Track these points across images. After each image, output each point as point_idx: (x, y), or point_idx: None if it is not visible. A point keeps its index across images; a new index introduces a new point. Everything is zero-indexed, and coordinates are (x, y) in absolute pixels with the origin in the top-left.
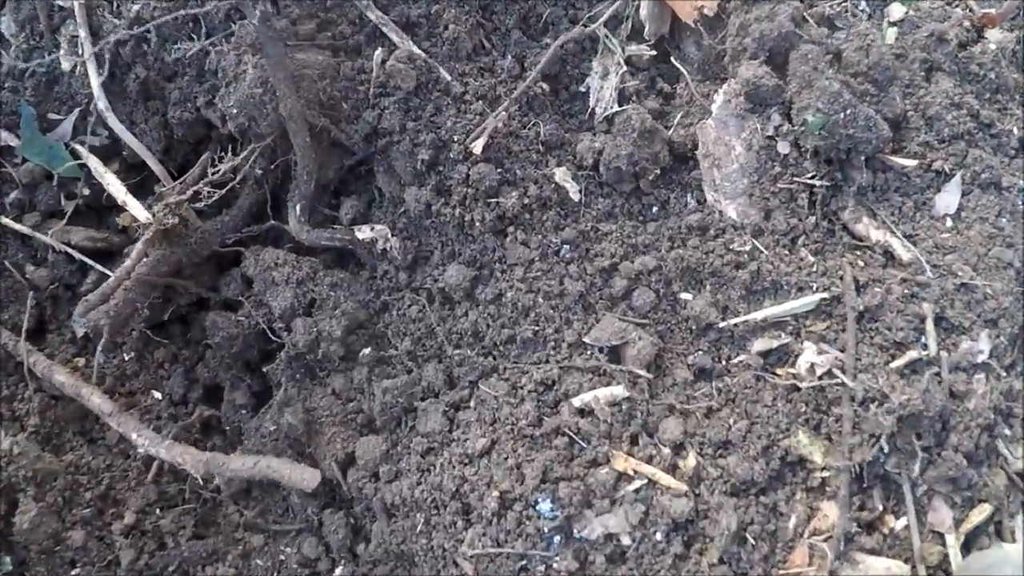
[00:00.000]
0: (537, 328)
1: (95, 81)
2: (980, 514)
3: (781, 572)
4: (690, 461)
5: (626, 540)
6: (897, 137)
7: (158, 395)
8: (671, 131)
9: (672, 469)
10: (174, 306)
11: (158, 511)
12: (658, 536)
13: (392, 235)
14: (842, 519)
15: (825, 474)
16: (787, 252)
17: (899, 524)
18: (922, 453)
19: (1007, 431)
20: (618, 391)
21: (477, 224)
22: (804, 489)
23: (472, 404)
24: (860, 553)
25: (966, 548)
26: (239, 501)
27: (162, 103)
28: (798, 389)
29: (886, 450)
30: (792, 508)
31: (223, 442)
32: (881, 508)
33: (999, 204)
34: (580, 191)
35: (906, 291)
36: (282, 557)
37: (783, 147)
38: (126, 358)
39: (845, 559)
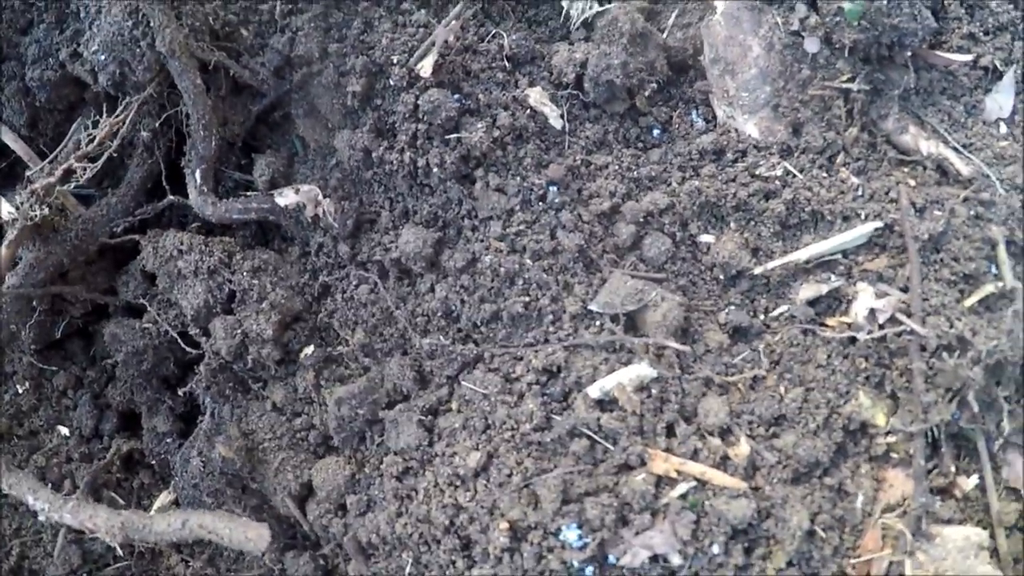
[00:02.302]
0: (528, 299)
1: None
2: None
3: (853, 562)
4: (742, 448)
5: (676, 560)
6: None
7: (65, 431)
8: (665, 34)
9: (723, 462)
10: (67, 319)
11: None
12: (715, 549)
13: (324, 196)
14: (918, 491)
15: (890, 439)
16: (825, 174)
17: (970, 484)
18: (1005, 404)
19: None
20: (643, 370)
21: (435, 170)
22: (868, 459)
23: (454, 406)
24: (935, 525)
25: None
26: (182, 549)
27: (18, 63)
28: (855, 341)
29: (971, 406)
30: (858, 485)
31: (151, 478)
32: (953, 469)
33: None
34: (562, 115)
35: (971, 212)
36: None
37: (812, 44)
38: (20, 391)
39: (920, 535)
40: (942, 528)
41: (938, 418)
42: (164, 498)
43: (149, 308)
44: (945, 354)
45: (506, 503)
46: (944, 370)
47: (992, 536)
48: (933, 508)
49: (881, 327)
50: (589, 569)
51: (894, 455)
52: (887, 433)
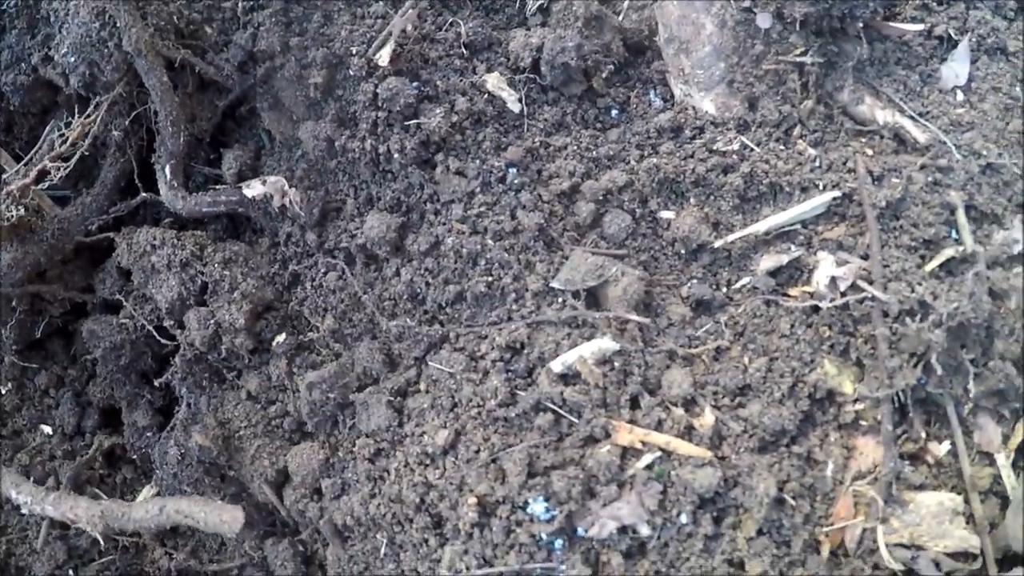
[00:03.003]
0: (491, 279)
1: None
2: None
3: (826, 529)
4: (707, 418)
5: (645, 530)
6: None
7: (48, 429)
8: (621, 17)
9: (687, 432)
10: (46, 318)
11: (71, 572)
12: (683, 518)
13: (290, 187)
14: (888, 457)
15: (858, 406)
16: (782, 147)
17: (942, 450)
18: (971, 367)
19: None
20: (606, 344)
21: (396, 156)
22: (837, 427)
23: (422, 387)
24: (907, 491)
25: (1015, 467)
26: (165, 542)
27: None
28: (818, 310)
29: (935, 370)
30: (828, 453)
31: (134, 473)
32: (924, 435)
33: (1010, 72)
34: (520, 99)
35: (928, 179)
36: None
37: (764, 20)
38: (2, 391)
39: (893, 501)
40: (915, 494)
41: (903, 383)
42: (147, 492)
43: (125, 304)
44: (908, 319)
45: (473, 479)
46: (907, 335)
47: (966, 501)
48: (904, 474)
49: (843, 295)
50: (558, 542)
51: (863, 422)
52: (855, 400)
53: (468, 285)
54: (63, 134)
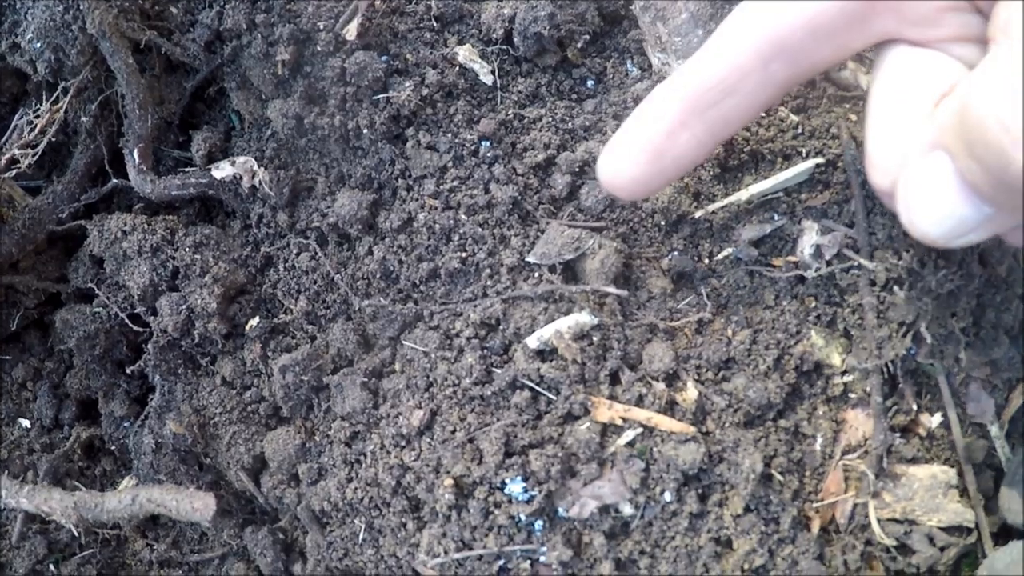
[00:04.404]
0: (465, 254)
1: None
2: (1022, 395)
3: (816, 505)
4: (689, 393)
5: (627, 509)
6: None
7: (26, 423)
8: None
9: (670, 407)
10: (21, 310)
11: (52, 567)
12: (667, 496)
13: (260, 167)
14: (879, 430)
15: (847, 378)
16: (763, 114)
17: (934, 422)
18: (962, 337)
19: None
20: (584, 318)
21: (365, 132)
22: (825, 400)
23: (397, 367)
24: (899, 465)
25: (1009, 438)
26: (147, 534)
27: None
28: (803, 280)
29: (925, 339)
30: (816, 427)
31: (113, 464)
32: (915, 407)
33: None
34: (493, 71)
35: None
36: None
37: None
38: None
39: (884, 475)
40: (907, 467)
41: (892, 353)
42: (126, 483)
43: (98, 292)
44: (895, 287)
45: (449, 459)
46: (895, 304)
47: (960, 474)
48: (895, 447)
49: (828, 263)
50: (538, 523)
51: (852, 395)
52: (843, 372)
53: (442, 262)
54: (31, 122)
